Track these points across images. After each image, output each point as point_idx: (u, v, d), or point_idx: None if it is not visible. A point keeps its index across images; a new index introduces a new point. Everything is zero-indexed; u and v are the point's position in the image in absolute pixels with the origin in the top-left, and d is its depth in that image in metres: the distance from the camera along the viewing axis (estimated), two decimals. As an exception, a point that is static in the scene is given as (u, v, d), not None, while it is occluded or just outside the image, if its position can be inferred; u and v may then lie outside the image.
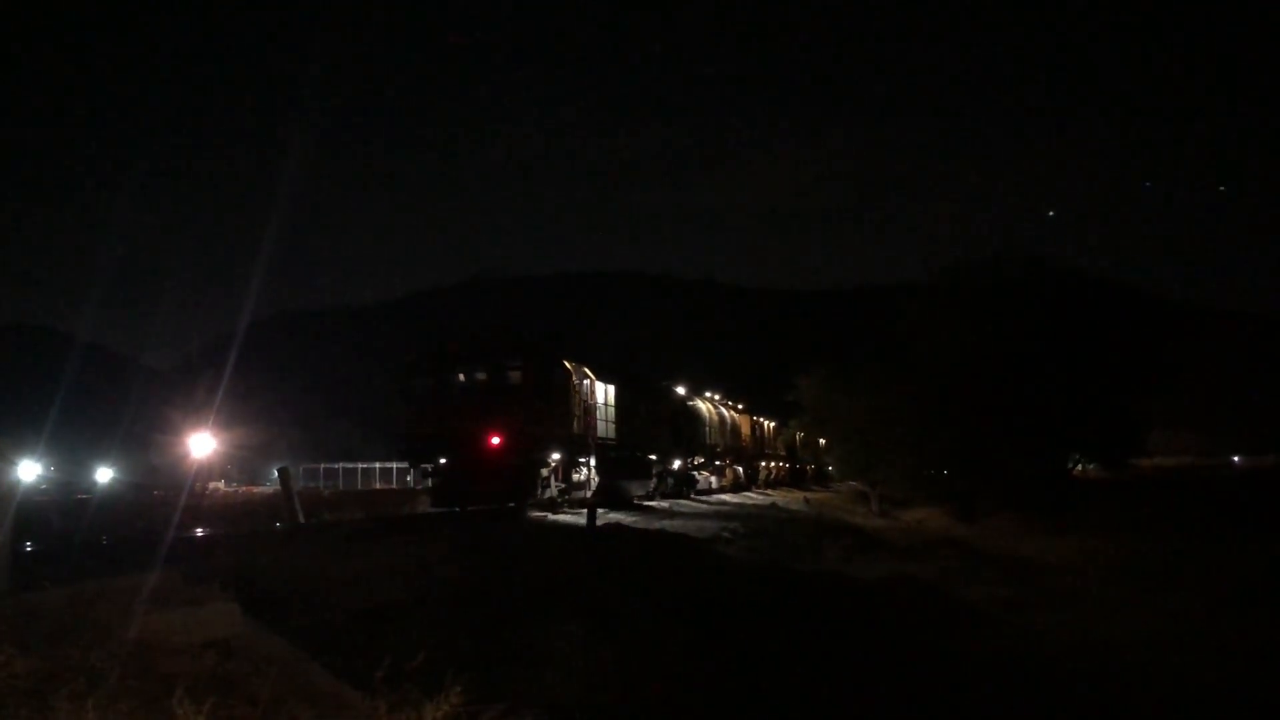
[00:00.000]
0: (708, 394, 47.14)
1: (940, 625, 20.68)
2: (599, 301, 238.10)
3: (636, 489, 32.84)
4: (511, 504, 24.49)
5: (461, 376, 25.31)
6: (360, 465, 61.09)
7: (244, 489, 48.87)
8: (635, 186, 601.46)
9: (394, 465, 62.12)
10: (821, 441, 54.65)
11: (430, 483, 25.93)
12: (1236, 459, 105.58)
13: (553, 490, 26.57)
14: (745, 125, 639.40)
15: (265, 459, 59.67)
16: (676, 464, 37.95)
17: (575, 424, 27.37)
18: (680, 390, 41.36)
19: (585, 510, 24.43)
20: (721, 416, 46.11)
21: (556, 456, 26.57)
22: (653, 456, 34.92)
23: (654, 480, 34.97)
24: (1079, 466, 48.09)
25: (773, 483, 55.25)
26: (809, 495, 50.74)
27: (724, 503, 37.91)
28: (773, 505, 39.85)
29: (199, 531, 21.64)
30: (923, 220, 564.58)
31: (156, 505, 30.48)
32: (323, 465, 60.43)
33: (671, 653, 14.93)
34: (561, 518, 24.42)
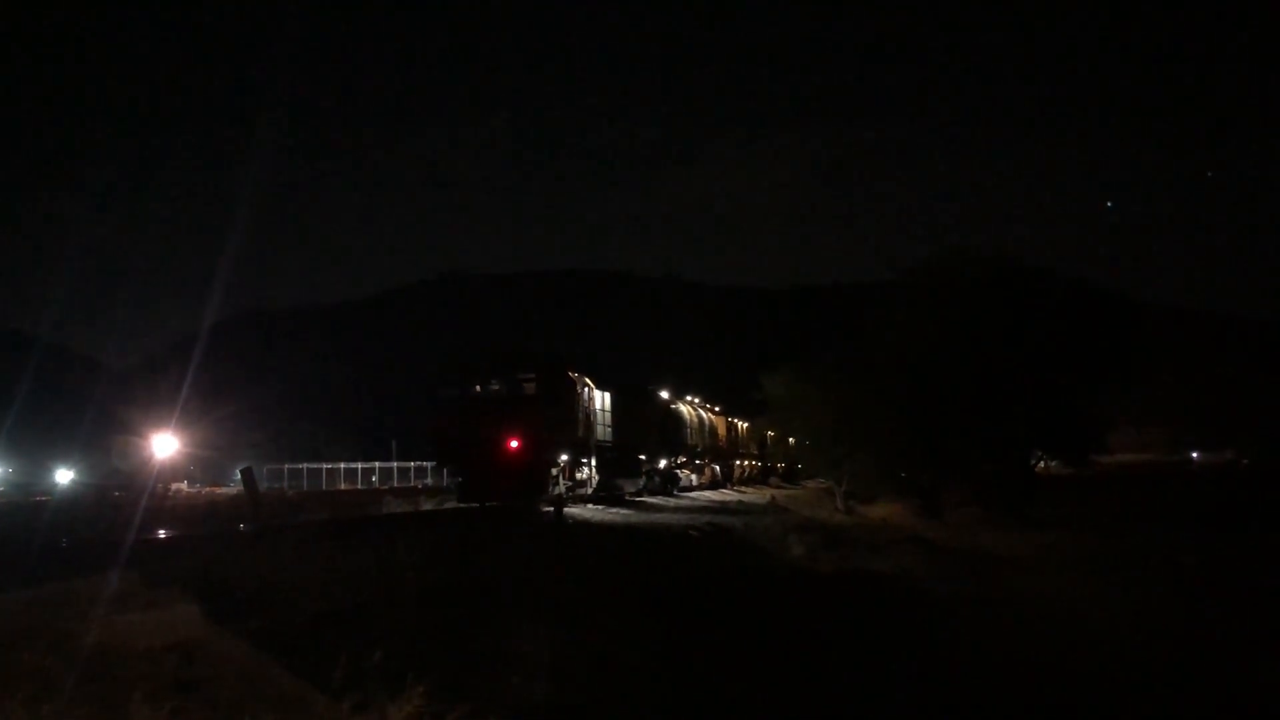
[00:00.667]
0: (689, 397, 49.24)
1: (901, 616, 21.01)
2: (566, 299, 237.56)
3: (629, 486, 35.78)
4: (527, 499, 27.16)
5: (480, 388, 27.90)
6: (325, 466, 60.74)
7: (207, 490, 48.43)
8: (602, 184, 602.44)
9: (359, 465, 61.91)
10: (791, 440, 55.04)
11: (456, 481, 29.04)
12: (1196, 455, 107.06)
13: (560, 488, 28.88)
14: (712, 122, 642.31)
15: (229, 459, 59.21)
16: (663, 463, 40.82)
17: (579, 429, 30.14)
18: (664, 395, 43.64)
19: (590, 504, 29.34)
20: (701, 419, 48.56)
21: (564, 458, 29.31)
22: (642, 457, 37.69)
23: (643, 478, 37.73)
24: (1042, 463, 48.48)
25: (746, 480, 57.39)
26: (775, 493, 51.20)
27: (704, 499, 40.48)
28: (740, 503, 41.69)
29: (161, 533, 21.41)
30: (892, 218, 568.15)
31: (118, 507, 30.12)
32: (287, 466, 59.90)
33: (642, 650, 14.93)
34: (573, 510, 27.31)
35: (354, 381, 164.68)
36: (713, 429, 50.51)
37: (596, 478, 32.38)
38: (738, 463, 56.76)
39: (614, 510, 29.56)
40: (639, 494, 36.45)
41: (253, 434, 76.41)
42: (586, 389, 31.35)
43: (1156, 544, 30.88)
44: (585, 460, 31.39)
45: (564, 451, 29.21)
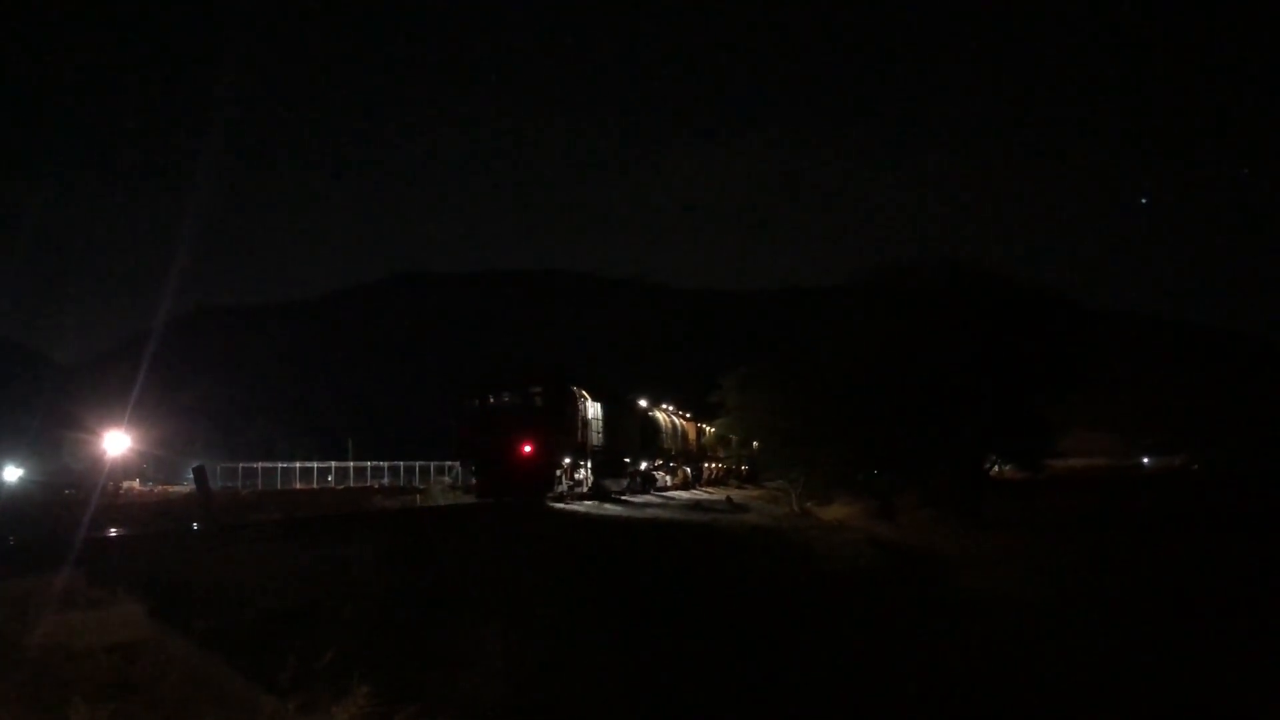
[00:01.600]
0: (664, 405, 53.35)
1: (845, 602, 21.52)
2: (524, 299, 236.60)
3: (614, 486, 39.65)
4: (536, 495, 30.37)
5: (495, 399, 32.18)
6: (281, 465, 59.91)
7: (160, 488, 47.72)
8: (561, 183, 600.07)
9: (315, 465, 61.27)
10: (755, 444, 55.76)
11: (475, 479, 34.32)
12: (1146, 460, 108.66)
13: (563, 486, 33.22)
14: (673, 123, 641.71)
15: (183, 458, 58.45)
16: (644, 465, 45.41)
17: (579, 435, 34.38)
18: (643, 404, 48.11)
19: (587, 501, 33.30)
20: (674, 425, 52.74)
21: (567, 460, 33.61)
22: (627, 460, 41.89)
23: (627, 479, 41.80)
24: (996, 467, 49.00)
25: (713, 481, 60.67)
26: (733, 493, 52.05)
27: (679, 498, 44.72)
28: (711, 501, 45.49)
29: (111, 532, 21.10)
30: (851, 222, 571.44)
31: (68, 505, 29.67)
32: (241, 464, 59.01)
33: (597, 647, 14.92)
34: (571, 506, 31.11)
35: (311, 380, 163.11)
36: (684, 434, 54.65)
37: (591, 478, 36.46)
38: (706, 465, 60.70)
39: (607, 506, 33.67)
40: (622, 493, 40.17)
41: (207, 432, 75.55)
42: (584, 400, 35.21)
43: (1100, 546, 32.30)
44: (582, 463, 35.49)
45: (567, 455, 33.43)
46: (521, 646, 13.72)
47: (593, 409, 36.36)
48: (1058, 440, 46.65)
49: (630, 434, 42.34)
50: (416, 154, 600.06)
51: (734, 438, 57.33)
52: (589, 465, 36.11)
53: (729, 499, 47.51)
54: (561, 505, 30.76)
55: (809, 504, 47.41)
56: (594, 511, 30.58)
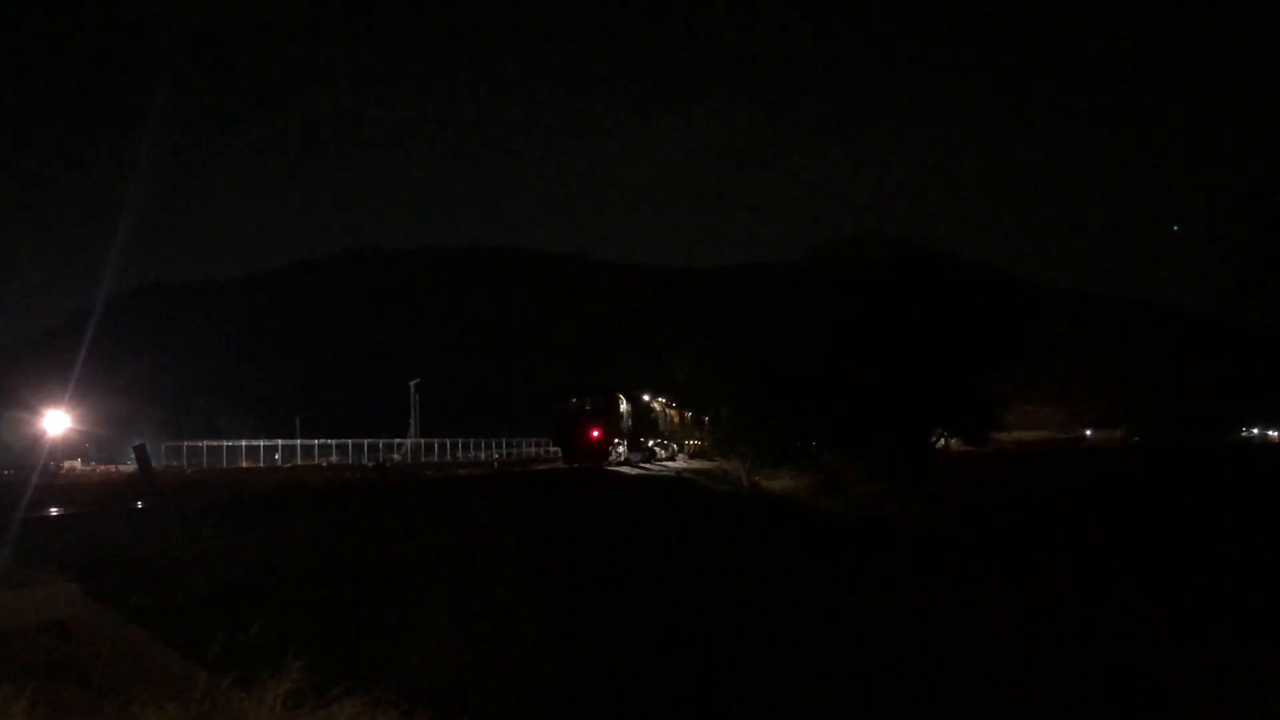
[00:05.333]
0: (660, 399, 65.89)
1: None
2: (473, 275, 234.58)
3: (634, 458, 54.12)
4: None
5: (574, 404, 49.92)
6: (226, 443, 59.30)
7: (102, 468, 47.06)
8: (509, 159, 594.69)
9: (261, 443, 60.68)
10: (706, 420, 57.48)
11: (563, 453, 51.34)
12: (1088, 433, 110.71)
13: (613, 457, 49.65)
14: (622, 97, 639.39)
15: (125, 436, 57.52)
16: (651, 444, 61.04)
17: (620, 425, 51.17)
18: (646, 397, 62.87)
19: (624, 466, 48.33)
20: (664, 412, 66.89)
21: (616, 441, 50.49)
22: (641, 439, 57.92)
23: (640, 454, 56.49)
24: (942, 441, 49.58)
25: (693, 456, 66.63)
26: (682, 466, 54.37)
27: (671, 466, 55.12)
28: (690, 469, 53.28)
29: (51, 512, 20.81)
30: (800, 199, 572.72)
31: (5, 486, 29.18)
32: (185, 443, 58.37)
33: (545, 621, 14.90)
34: (619, 469, 46.14)
35: (258, 357, 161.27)
36: (670, 418, 68.32)
37: (625, 453, 52.53)
38: (686, 442, 70.04)
39: (639, 469, 48.52)
40: (638, 463, 53.06)
41: (151, 410, 74.39)
42: (620, 401, 51.99)
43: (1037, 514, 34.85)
44: (620, 442, 51.73)
45: (616, 438, 50.42)
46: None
47: (625, 406, 52.81)
48: (1002, 414, 47.30)
49: (641, 421, 58.84)
50: (365, 129, 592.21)
51: (688, 415, 60.13)
52: (624, 445, 52.71)
53: (677, 474, 48.26)
54: (612, 469, 45.49)
55: (757, 478, 47.79)
56: (636, 472, 45.08)
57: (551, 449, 68.21)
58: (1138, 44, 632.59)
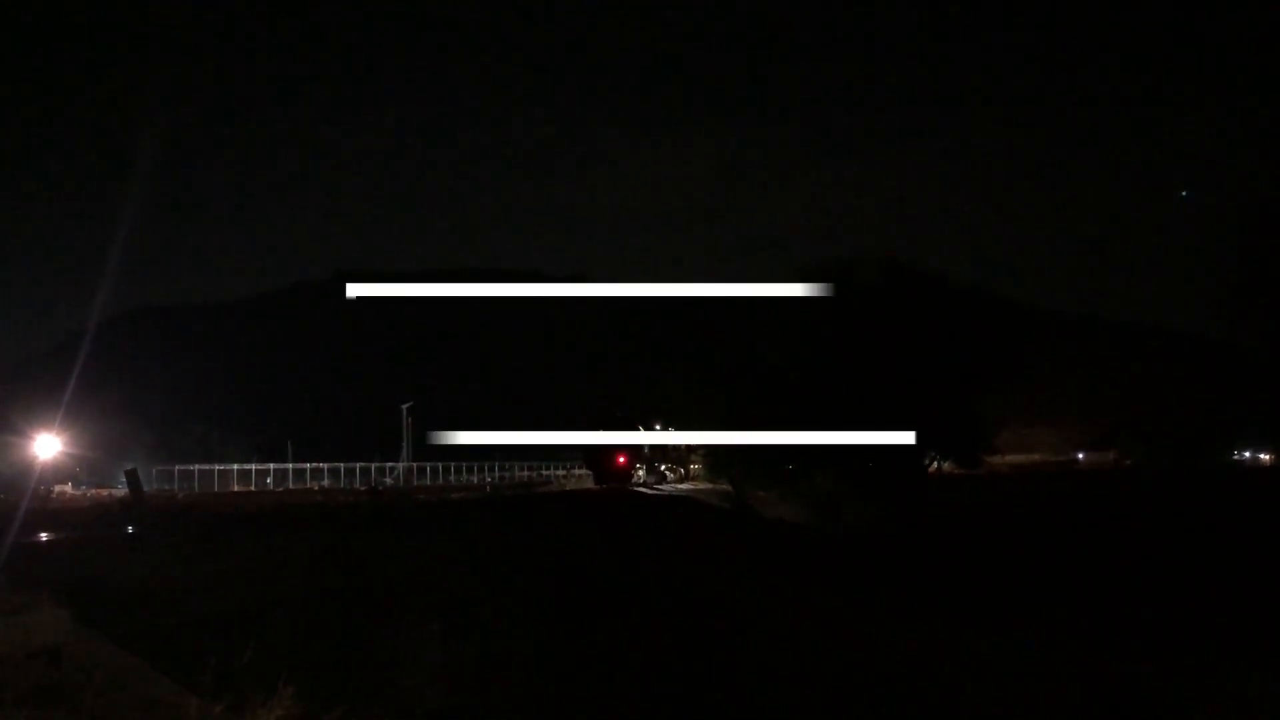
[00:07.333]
0: (670, 428, 69.95)
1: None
2: (466, 299, 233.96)
3: (651, 479, 62.94)
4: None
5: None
6: (218, 467, 58.98)
7: (93, 492, 46.83)
8: (503, 182, 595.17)
9: (253, 467, 60.38)
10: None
11: (594, 476, 61.49)
12: (1081, 456, 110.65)
13: (635, 478, 58.40)
14: (615, 120, 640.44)
15: (117, 460, 57.22)
16: (662, 468, 69.11)
17: (640, 452, 62.24)
18: (658, 426, 68.37)
19: (643, 487, 55.72)
20: (673, 440, 71.63)
21: (637, 465, 61.32)
22: (655, 463, 67.70)
23: (654, 476, 65.40)
24: (935, 464, 49.56)
25: (695, 478, 69.47)
26: (684, 486, 56.98)
27: (680, 489, 58.20)
28: (697, 490, 55.96)
29: (41, 536, 20.71)
30: (793, 222, 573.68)
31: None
32: (177, 467, 58.06)
33: (536, 644, 14.82)
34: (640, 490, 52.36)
35: (250, 381, 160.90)
36: (677, 446, 72.76)
37: (643, 475, 62.60)
38: (691, 466, 73.48)
39: (656, 489, 54.48)
40: (653, 485, 60.24)
41: (142, 434, 74.17)
42: (640, 430, 62.82)
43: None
44: (640, 467, 63.03)
45: (637, 463, 61.80)
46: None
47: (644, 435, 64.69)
48: (996, 437, 47.33)
49: (655, 447, 68.23)
50: (358, 152, 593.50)
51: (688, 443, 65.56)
52: (644, 469, 64.18)
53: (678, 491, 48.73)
54: (635, 489, 52.21)
55: (750, 500, 47.72)
56: (652, 492, 50.77)
57: (562, 471, 78.94)
58: (1132, 67, 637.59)
